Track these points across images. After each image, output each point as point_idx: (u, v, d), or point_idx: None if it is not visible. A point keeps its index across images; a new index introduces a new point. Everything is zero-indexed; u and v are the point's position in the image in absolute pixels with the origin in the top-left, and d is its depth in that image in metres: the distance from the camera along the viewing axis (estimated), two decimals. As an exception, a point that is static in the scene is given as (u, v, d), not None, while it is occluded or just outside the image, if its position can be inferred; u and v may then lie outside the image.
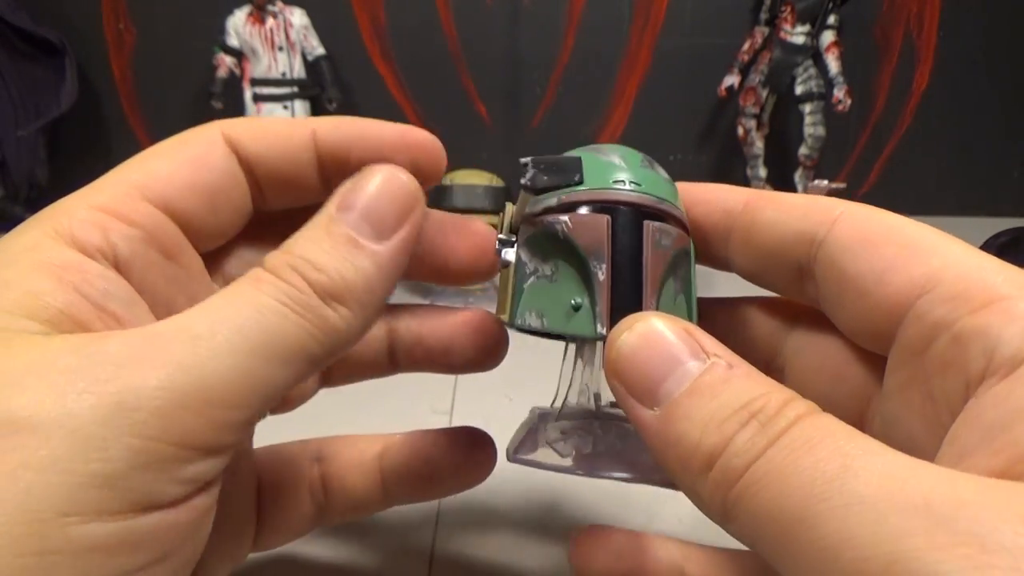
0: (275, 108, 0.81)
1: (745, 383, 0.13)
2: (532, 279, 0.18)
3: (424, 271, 0.22)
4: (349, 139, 0.19)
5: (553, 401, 0.21)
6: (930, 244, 0.15)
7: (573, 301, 0.17)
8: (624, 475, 0.18)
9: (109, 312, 0.15)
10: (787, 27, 0.76)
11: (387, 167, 0.17)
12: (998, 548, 0.09)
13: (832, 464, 0.11)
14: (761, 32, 0.80)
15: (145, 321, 0.16)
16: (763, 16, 0.80)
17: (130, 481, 0.12)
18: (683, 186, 0.20)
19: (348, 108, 0.87)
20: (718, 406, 0.13)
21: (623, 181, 0.18)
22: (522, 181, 0.18)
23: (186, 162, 0.18)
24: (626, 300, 0.17)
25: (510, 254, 0.19)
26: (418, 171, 0.18)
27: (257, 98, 0.80)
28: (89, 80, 0.88)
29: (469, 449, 0.23)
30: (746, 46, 0.81)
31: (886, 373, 0.16)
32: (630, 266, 0.17)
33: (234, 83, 0.81)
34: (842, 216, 0.17)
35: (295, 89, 0.81)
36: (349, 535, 0.26)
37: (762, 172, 0.82)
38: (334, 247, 0.15)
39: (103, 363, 0.12)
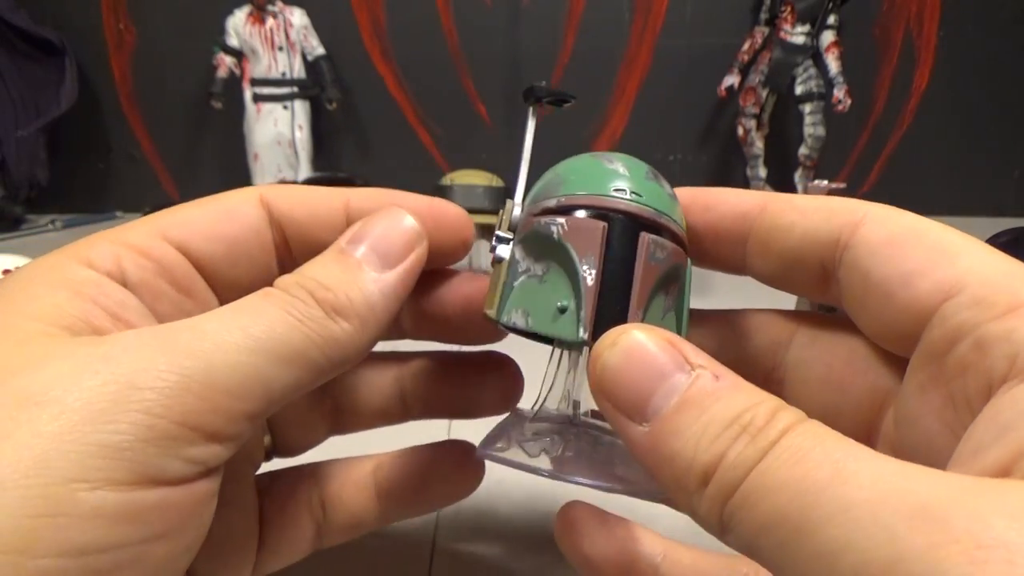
0: (275, 108, 0.81)
1: (733, 395, 0.13)
2: (523, 278, 0.18)
3: (425, 327, 0.23)
4: (378, 207, 0.20)
5: (533, 404, 0.21)
6: (956, 248, 0.15)
7: (559, 303, 0.17)
8: (590, 481, 0.17)
9: (124, 320, 0.16)
10: (787, 27, 0.76)
11: (393, 209, 0.19)
12: (992, 543, 0.10)
13: (824, 471, 0.11)
14: (761, 32, 0.80)
15: None
16: (763, 16, 0.80)
17: (136, 454, 0.13)
18: (696, 191, 0.20)
19: (348, 108, 0.88)
20: (708, 420, 0.13)
21: (624, 190, 0.17)
22: (532, 87, 0.20)
23: (213, 212, 0.19)
24: (612, 309, 0.17)
25: (504, 251, 0.19)
26: (444, 241, 0.20)
27: (257, 98, 0.80)
28: (89, 80, 0.88)
29: (457, 462, 0.23)
30: (746, 46, 0.81)
31: (907, 375, 0.16)
32: (620, 275, 0.17)
33: (234, 83, 0.81)
34: (866, 218, 0.17)
35: (295, 89, 0.81)
36: (349, 535, 0.27)
37: (762, 172, 0.82)
38: (343, 271, 0.17)
39: (117, 350, 0.14)
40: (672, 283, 0.18)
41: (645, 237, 0.17)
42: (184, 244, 0.18)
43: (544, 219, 0.18)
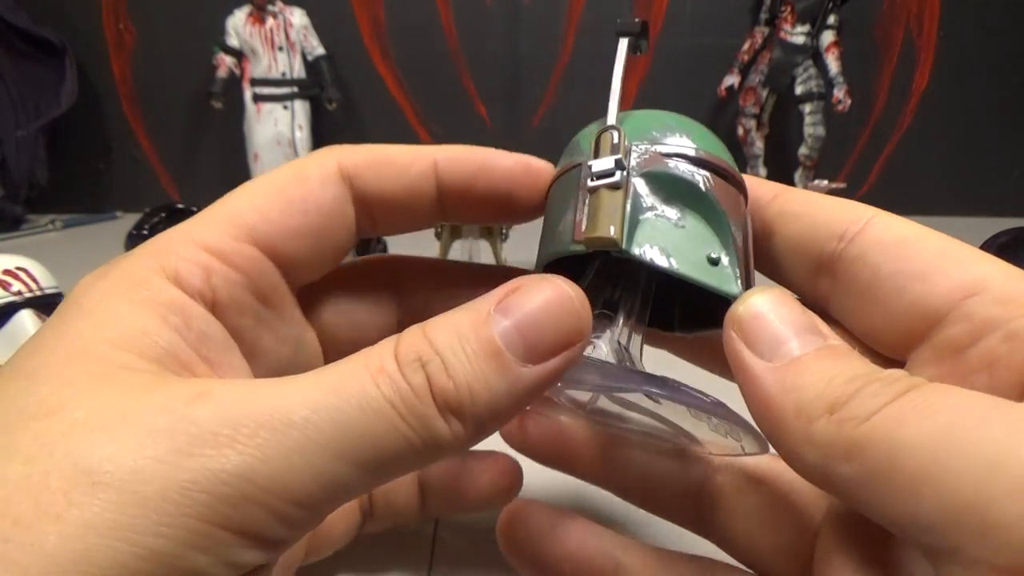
0: (275, 108, 0.81)
1: (865, 360, 0.14)
2: (650, 215, 0.17)
3: None
4: (472, 169, 0.19)
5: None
6: (967, 254, 0.16)
7: (711, 254, 0.17)
8: (696, 398, 0.16)
9: (203, 356, 0.15)
10: (787, 27, 0.76)
11: (560, 284, 0.15)
12: None
13: (981, 403, 0.12)
14: (761, 32, 0.80)
15: (237, 364, 0.17)
16: (763, 16, 0.80)
17: (180, 560, 0.12)
18: None
19: (348, 108, 0.88)
20: (842, 368, 0.14)
21: (734, 165, 0.18)
22: (620, 21, 0.20)
23: (297, 202, 0.18)
24: (748, 273, 0.18)
25: (620, 177, 0.17)
26: (533, 198, 0.19)
27: (257, 98, 0.80)
28: (89, 80, 0.88)
29: (498, 471, 0.24)
30: (746, 46, 0.81)
31: (908, 370, 0.17)
32: (748, 243, 0.18)
33: (234, 83, 0.81)
34: (876, 219, 0.17)
35: (295, 89, 0.81)
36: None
37: (762, 172, 0.82)
38: (475, 354, 0.14)
39: (191, 433, 0.12)
40: None
41: (750, 219, 0.18)
42: (273, 248, 0.17)
43: (681, 165, 0.18)
